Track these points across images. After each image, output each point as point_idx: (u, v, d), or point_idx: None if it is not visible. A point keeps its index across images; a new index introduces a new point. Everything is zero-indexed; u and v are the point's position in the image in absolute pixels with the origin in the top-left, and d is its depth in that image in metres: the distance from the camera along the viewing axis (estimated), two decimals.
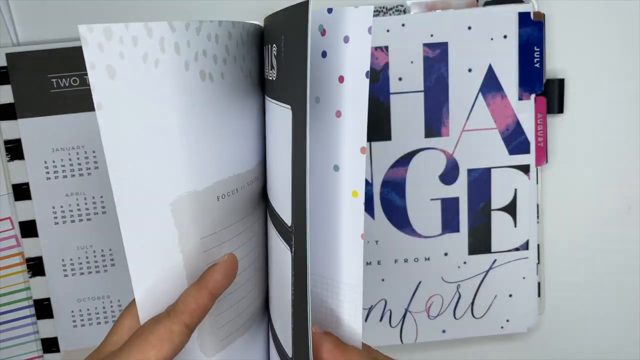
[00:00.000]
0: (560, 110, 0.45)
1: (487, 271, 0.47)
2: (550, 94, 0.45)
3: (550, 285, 0.49)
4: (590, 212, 0.48)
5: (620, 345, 0.50)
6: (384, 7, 0.43)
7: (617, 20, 0.46)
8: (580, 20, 0.46)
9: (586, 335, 0.50)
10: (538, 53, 0.43)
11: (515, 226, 0.46)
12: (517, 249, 0.46)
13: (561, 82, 0.45)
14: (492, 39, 0.43)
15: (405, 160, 0.46)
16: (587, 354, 0.51)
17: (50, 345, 0.48)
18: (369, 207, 0.46)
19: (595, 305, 0.49)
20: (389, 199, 0.46)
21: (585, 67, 0.46)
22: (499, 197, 0.46)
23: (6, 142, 0.45)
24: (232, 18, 0.45)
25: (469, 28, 0.43)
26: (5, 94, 0.45)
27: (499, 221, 0.46)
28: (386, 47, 0.44)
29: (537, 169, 0.46)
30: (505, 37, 0.43)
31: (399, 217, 0.46)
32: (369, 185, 0.46)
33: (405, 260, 0.47)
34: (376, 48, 0.44)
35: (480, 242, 0.46)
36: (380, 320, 0.47)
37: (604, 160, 0.47)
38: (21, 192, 0.46)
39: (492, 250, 0.46)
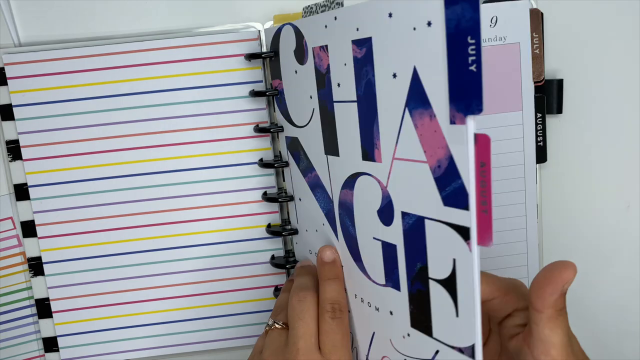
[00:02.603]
0: (560, 110, 0.45)
1: None
2: (549, 94, 0.45)
3: None
4: (589, 211, 0.48)
5: (621, 345, 0.51)
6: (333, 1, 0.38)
7: (617, 20, 0.46)
8: (580, 19, 0.46)
9: (585, 334, 0.50)
10: (474, 48, 0.26)
11: (457, 315, 0.30)
12: (460, 351, 0.30)
13: (560, 82, 0.45)
14: (414, 28, 0.29)
15: (351, 183, 0.37)
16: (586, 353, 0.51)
17: (51, 344, 0.48)
18: (333, 226, 0.40)
19: (594, 305, 0.50)
20: (345, 224, 0.38)
21: (585, 67, 0.46)
22: (436, 263, 0.31)
23: (7, 142, 0.46)
24: (240, 18, 0.46)
25: (390, 15, 0.30)
26: (5, 94, 0.45)
27: (439, 298, 0.31)
28: (326, 47, 0.36)
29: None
30: (429, 24, 0.28)
31: (353, 247, 0.38)
32: (330, 202, 0.39)
33: (362, 300, 0.38)
34: (320, 47, 0.36)
35: (420, 317, 0.33)
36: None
37: (603, 160, 0.47)
38: (22, 192, 0.46)
39: (434, 335, 0.32)
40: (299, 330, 0.37)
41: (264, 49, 0.45)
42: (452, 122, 0.27)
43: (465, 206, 0.28)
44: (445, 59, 0.27)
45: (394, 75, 0.31)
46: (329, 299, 0.38)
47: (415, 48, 0.29)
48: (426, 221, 0.31)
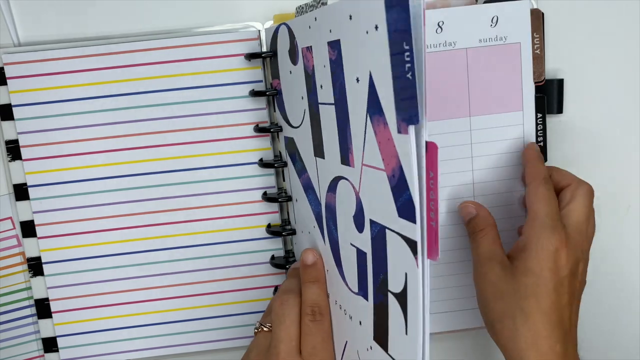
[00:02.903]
0: (560, 110, 0.45)
1: None
2: (549, 94, 0.45)
3: None
4: None
5: (621, 346, 0.51)
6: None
7: (617, 19, 0.46)
8: (580, 20, 0.46)
9: (585, 334, 0.50)
10: (408, 54, 0.24)
11: (406, 333, 0.29)
12: None
13: (560, 82, 0.45)
14: (367, 32, 0.27)
15: (334, 186, 0.36)
16: (584, 355, 0.51)
17: (50, 345, 0.48)
18: (321, 228, 0.39)
19: (594, 305, 0.50)
20: (329, 227, 0.38)
21: (585, 67, 0.46)
22: (394, 275, 0.30)
23: (7, 142, 0.45)
24: (240, 18, 0.46)
25: (350, 17, 0.29)
26: (5, 94, 0.45)
27: (394, 312, 0.30)
28: (311, 47, 0.35)
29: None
30: (376, 27, 0.26)
31: (336, 252, 0.37)
32: (319, 204, 0.39)
33: (340, 307, 0.38)
34: (307, 48, 0.36)
35: (380, 330, 0.32)
36: None
37: (603, 160, 0.47)
38: (22, 192, 0.46)
39: (389, 351, 0.31)
40: (279, 333, 0.37)
41: (264, 49, 0.45)
42: (399, 131, 0.26)
43: (413, 219, 0.27)
44: (389, 64, 0.26)
45: (357, 80, 0.30)
46: (309, 301, 0.38)
47: (370, 52, 0.28)
48: (387, 231, 0.30)
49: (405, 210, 0.27)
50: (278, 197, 0.45)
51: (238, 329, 0.48)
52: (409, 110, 0.25)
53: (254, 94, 0.44)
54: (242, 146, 0.46)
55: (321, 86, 0.35)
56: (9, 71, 0.44)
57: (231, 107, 0.45)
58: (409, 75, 0.24)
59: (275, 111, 0.45)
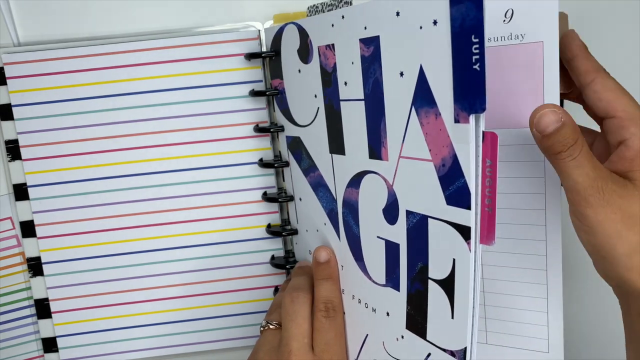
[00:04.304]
0: None
1: None
2: None
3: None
4: None
5: (621, 346, 0.50)
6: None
7: (617, 19, 0.46)
8: (581, 20, 0.46)
9: (585, 334, 0.50)
10: (477, 47, 0.26)
11: (453, 317, 0.30)
12: (452, 354, 0.30)
13: None
14: (421, 27, 0.29)
15: (357, 181, 0.36)
16: (585, 355, 0.51)
17: (50, 345, 0.48)
18: (335, 225, 0.40)
19: (594, 305, 0.50)
20: (348, 223, 0.38)
21: None
22: (437, 262, 0.31)
23: (7, 142, 0.45)
24: (240, 18, 0.46)
25: (397, 14, 0.30)
26: (5, 94, 0.45)
27: (436, 299, 0.31)
28: (333, 45, 0.36)
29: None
30: (435, 22, 0.28)
31: (355, 247, 0.38)
32: (334, 201, 0.39)
33: (359, 301, 0.38)
34: (326, 46, 0.36)
35: (416, 318, 0.33)
36: None
37: None
38: (22, 192, 0.46)
39: (427, 337, 0.32)
40: (291, 331, 0.37)
41: (264, 49, 0.45)
42: (457, 120, 0.28)
43: (467, 205, 0.28)
44: (450, 58, 0.27)
45: (401, 74, 0.31)
46: (323, 297, 0.39)
47: (422, 47, 0.29)
48: (429, 220, 0.31)
49: (457, 197, 0.29)
50: (278, 197, 0.45)
51: (238, 329, 0.48)
52: (476, 100, 0.26)
53: (254, 94, 0.44)
54: (242, 146, 0.46)
55: (345, 83, 0.35)
56: (8, 71, 0.44)
57: (231, 107, 0.45)
58: (476, 67, 0.26)
59: (275, 111, 0.45)
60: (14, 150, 0.45)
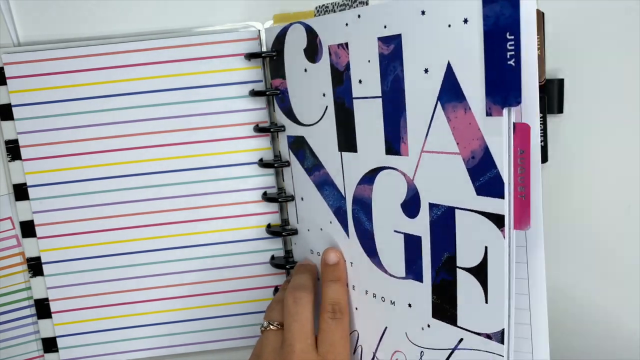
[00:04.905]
0: (560, 110, 0.45)
1: (453, 350, 0.35)
2: (550, 94, 0.45)
3: (549, 285, 0.48)
4: (589, 212, 0.48)
5: (620, 346, 0.51)
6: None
7: (617, 19, 0.46)
8: (581, 20, 0.46)
9: (584, 334, 0.50)
10: (512, 44, 0.27)
11: (487, 302, 0.32)
12: (488, 337, 0.32)
13: (561, 82, 0.45)
14: (449, 25, 0.30)
15: (370, 178, 0.37)
16: (585, 355, 0.51)
17: (50, 345, 0.48)
18: (344, 223, 0.40)
19: (594, 305, 0.50)
20: (359, 219, 0.39)
21: (585, 67, 0.46)
22: (466, 252, 0.32)
23: (7, 142, 0.45)
24: (240, 18, 0.46)
25: (423, 13, 0.31)
26: (5, 94, 0.45)
27: (466, 286, 0.33)
28: (346, 44, 0.37)
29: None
30: (465, 21, 0.29)
31: (368, 243, 0.38)
32: (342, 198, 0.40)
33: (374, 296, 0.39)
34: (338, 45, 0.37)
35: (444, 307, 0.34)
36: (353, 353, 0.42)
37: (604, 160, 0.47)
38: (22, 192, 0.46)
39: (458, 323, 0.34)
40: (294, 331, 0.37)
41: (264, 49, 0.45)
42: (489, 114, 0.29)
43: (500, 194, 0.30)
44: (481, 54, 0.29)
45: (426, 71, 0.32)
46: (330, 299, 0.39)
47: (450, 44, 0.30)
48: (457, 211, 0.32)
49: (489, 188, 0.30)
50: (278, 197, 0.45)
51: (238, 329, 0.48)
52: (511, 94, 0.28)
53: (254, 93, 0.44)
54: (242, 146, 0.46)
55: (360, 81, 0.36)
56: (8, 71, 0.44)
57: (231, 107, 0.45)
58: (511, 62, 0.28)
59: (274, 111, 0.45)
60: (14, 150, 0.45)
